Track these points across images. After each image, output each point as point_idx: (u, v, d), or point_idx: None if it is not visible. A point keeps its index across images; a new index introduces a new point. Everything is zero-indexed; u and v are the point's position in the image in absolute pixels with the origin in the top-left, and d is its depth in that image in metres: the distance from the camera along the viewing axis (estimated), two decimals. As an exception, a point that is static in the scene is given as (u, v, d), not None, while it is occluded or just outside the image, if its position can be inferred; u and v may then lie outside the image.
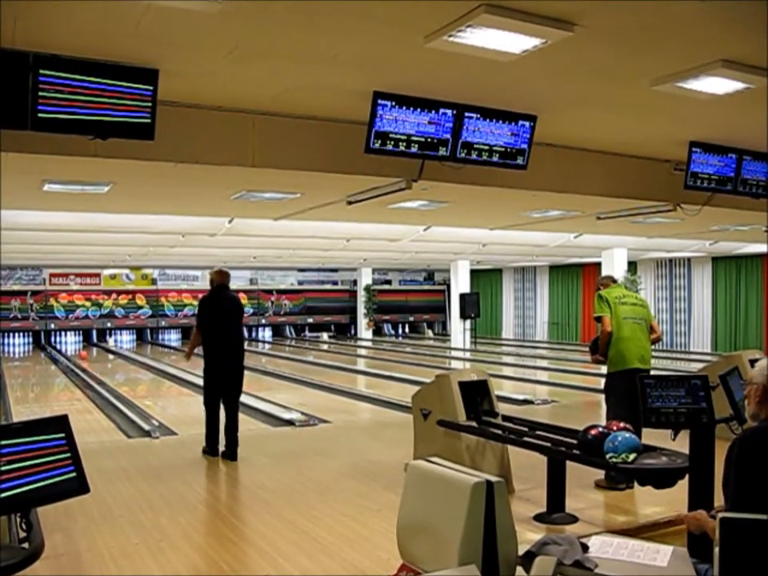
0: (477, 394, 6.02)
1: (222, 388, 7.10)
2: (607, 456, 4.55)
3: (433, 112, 5.44)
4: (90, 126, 4.50)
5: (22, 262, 20.79)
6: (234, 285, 24.67)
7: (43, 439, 2.85)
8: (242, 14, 3.83)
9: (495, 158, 5.87)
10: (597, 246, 14.98)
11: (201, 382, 7.48)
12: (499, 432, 5.74)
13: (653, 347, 6.43)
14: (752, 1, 3.67)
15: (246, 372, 7.30)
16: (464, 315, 21.01)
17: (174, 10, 3.69)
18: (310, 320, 26.63)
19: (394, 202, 7.87)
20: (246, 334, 26.05)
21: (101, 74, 4.41)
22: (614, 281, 6.65)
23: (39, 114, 4.29)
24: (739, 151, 7.19)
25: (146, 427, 8.72)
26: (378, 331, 27.03)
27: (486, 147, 5.78)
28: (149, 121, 4.62)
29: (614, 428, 4.77)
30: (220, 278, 7.40)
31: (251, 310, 25.27)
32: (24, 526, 2.80)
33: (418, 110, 5.38)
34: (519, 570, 2.77)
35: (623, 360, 6.06)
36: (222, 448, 7.09)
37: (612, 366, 6.16)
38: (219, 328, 7.13)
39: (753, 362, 6.81)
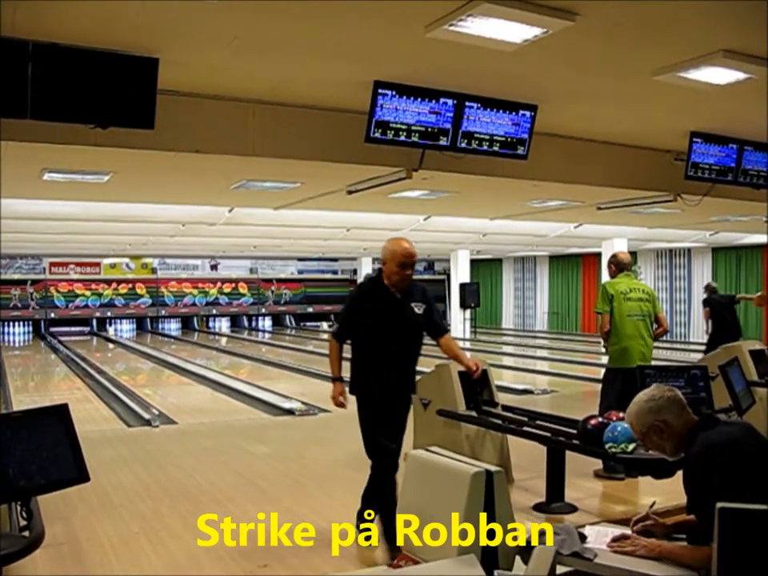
0: (476, 383, 6.01)
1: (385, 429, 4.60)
2: (606, 446, 4.54)
3: (433, 101, 5.43)
4: (89, 115, 4.49)
5: (22, 251, 20.78)
6: (231, 274, 24.91)
7: (43, 428, 2.86)
8: (243, 4, 3.81)
9: (496, 148, 5.86)
10: (597, 236, 14.97)
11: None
12: (499, 422, 5.74)
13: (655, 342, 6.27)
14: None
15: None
16: (464, 305, 21.01)
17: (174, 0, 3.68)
18: (310, 309, 26.62)
19: (395, 191, 7.87)
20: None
21: (100, 63, 4.40)
22: (622, 269, 6.19)
23: (39, 103, 4.28)
24: (740, 141, 7.18)
25: (146, 416, 8.72)
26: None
27: (487, 137, 5.77)
28: (149, 110, 4.61)
29: (614, 418, 4.76)
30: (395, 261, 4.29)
31: (251, 300, 25.41)
32: (24, 515, 2.81)
33: (419, 99, 5.37)
34: (518, 559, 2.78)
35: (623, 358, 5.99)
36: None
37: (612, 361, 6.14)
38: (382, 339, 4.42)
39: (753, 353, 6.87)
